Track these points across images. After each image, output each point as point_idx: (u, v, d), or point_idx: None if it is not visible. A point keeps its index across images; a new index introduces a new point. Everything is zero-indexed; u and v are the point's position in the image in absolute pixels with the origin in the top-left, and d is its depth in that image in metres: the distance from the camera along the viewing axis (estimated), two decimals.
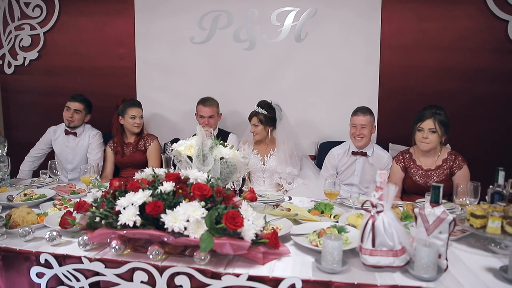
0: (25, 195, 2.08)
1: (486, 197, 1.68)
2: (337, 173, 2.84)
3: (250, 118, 2.90)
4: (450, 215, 1.29)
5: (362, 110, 2.68)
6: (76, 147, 3.17)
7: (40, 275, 1.42)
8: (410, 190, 2.52)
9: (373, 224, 1.29)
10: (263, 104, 2.87)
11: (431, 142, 2.36)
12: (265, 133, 2.89)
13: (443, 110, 2.40)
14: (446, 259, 1.29)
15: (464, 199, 1.79)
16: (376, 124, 3.27)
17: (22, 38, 3.78)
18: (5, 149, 2.52)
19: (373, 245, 1.28)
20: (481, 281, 1.23)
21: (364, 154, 2.72)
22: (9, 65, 3.84)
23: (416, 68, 3.22)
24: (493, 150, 3.13)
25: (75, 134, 3.15)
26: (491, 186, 1.66)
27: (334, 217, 1.85)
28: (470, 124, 3.09)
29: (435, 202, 1.31)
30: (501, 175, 1.63)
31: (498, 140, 3.13)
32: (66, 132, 3.16)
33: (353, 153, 2.74)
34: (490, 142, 3.15)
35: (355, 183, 2.78)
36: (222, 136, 2.91)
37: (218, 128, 3.26)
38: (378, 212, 1.29)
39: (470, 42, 3.11)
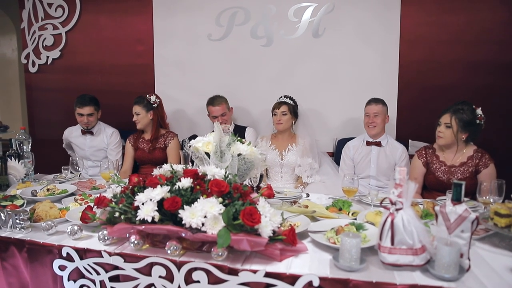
0: (48, 190, 2.14)
1: None
2: (354, 166, 2.88)
3: (278, 107, 2.89)
4: (472, 213, 1.25)
5: (374, 100, 2.78)
6: (94, 145, 3.27)
7: (62, 267, 1.46)
8: (432, 187, 2.46)
9: (392, 222, 1.26)
10: (288, 96, 2.96)
11: (445, 137, 2.34)
12: (290, 123, 2.94)
13: (468, 107, 2.31)
14: (469, 259, 1.25)
15: (487, 197, 1.74)
16: (395, 121, 3.22)
17: (45, 38, 3.89)
18: (29, 145, 2.61)
19: (392, 243, 1.26)
20: (506, 282, 1.19)
21: (378, 144, 2.77)
22: (33, 64, 3.96)
23: (437, 63, 3.12)
24: None
25: (91, 133, 3.25)
26: None
27: (352, 214, 1.82)
28: (495, 120, 2.94)
29: (456, 200, 1.28)
30: None
31: None
32: (83, 132, 3.26)
33: (368, 143, 2.81)
34: None
35: (372, 175, 2.80)
36: (239, 131, 2.91)
37: (234, 124, 3.27)
38: (397, 210, 1.27)
39: (495, 34, 2.99)
